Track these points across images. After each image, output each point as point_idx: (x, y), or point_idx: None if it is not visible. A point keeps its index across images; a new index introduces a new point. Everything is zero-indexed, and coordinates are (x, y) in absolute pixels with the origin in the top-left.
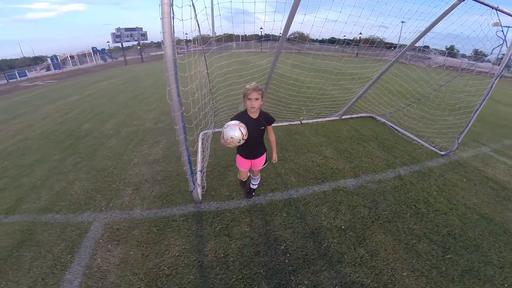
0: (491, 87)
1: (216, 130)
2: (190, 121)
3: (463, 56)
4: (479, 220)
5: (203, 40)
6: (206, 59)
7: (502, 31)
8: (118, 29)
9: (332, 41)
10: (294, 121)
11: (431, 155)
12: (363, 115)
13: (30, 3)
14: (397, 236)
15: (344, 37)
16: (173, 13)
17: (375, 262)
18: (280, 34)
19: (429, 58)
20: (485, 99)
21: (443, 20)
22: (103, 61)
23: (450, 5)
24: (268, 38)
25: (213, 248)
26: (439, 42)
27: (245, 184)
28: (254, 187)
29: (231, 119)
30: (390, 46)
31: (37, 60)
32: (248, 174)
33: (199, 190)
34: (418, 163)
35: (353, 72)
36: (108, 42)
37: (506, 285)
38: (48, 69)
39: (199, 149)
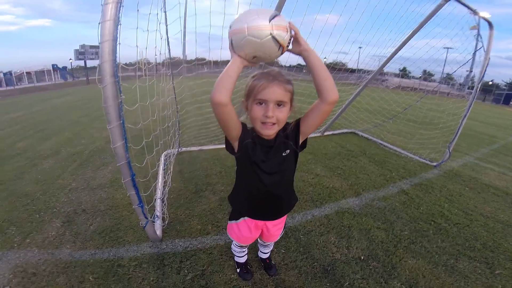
0: (470, 105)
1: (183, 149)
2: (149, 142)
3: (414, 77)
4: (504, 228)
5: (173, 63)
6: (175, 78)
7: (480, 34)
8: (82, 46)
9: (300, 66)
10: None
11: (424, 167)
12: (344, 131)
13: None
14: (430, 258)
15: None
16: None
17: None
18: None
19: (386, 79)
20: (466, 115)
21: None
22: (63, 79)
23: (436, 5)
24: None
25: None
26: (392, 65)
27: (245, 264)
28: (266, 255)
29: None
30: (352, 70)
31: None
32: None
33: (158, 223)
34: (415, 176)
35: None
36: (70, 59)
37: None
38: None
39: (160, 171)
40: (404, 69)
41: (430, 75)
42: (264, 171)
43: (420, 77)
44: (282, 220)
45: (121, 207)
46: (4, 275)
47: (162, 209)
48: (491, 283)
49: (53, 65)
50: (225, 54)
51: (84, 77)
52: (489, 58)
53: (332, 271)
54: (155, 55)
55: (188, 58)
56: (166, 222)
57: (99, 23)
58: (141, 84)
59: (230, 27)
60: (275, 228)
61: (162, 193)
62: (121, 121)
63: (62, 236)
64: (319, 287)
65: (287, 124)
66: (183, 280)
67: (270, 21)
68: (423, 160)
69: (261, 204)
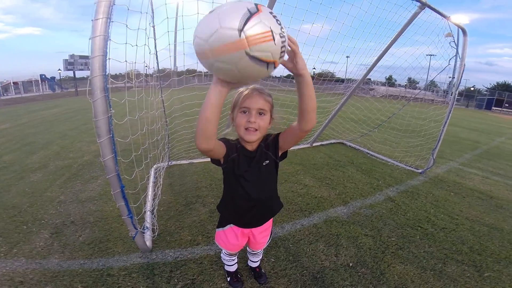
0: (450, 112)
1: (173, 162)
2: (138, 156)
3: (399, 85)
4: (490, 231)
5: (162, 72)
6: (163, 91)
7: (455, 41)
8: (71, 56)
9: (290, 77)
10: None
11: (409, 174)
12: (332, 141)
13: None
14: (418, 263)
15: None
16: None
17: None
18: None
19: (373, 88)
20: (446, 121)
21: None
22: (52, 90)
23: (412, 14)
24: None
25: None
26: (378, 74)
27: (235, 273)
28: (255, 264)
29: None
30: (340, 80)
31: None
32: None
33: (148, 234)
34: (401, 183)
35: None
36: (59, 70)
37: None
38: None
39: (150, 184)
40: (390, 78)
41: (415, 82)
42: (247, 180)
43: (406, 85)
44: (268, 227)
45: (110, 219)
46: None
47: (152, 221)
48: (481, 286)
49: (41, 76)
50: None
51: (73, 88)
52: (465, 65)
53: (321, 278)
54: (145, 66)
55: (178, 70)
56: (156, 233)
57: (89, 39)
58: (130, 98)
59: (193, 40)
60: (261, 235)
61: (152, 205)
62: (111, 135)
63: (50, 247)
64: None
65: (268, 135)
66: None
67: (241, 32)
68: (409, 168)
69: (246, 211)
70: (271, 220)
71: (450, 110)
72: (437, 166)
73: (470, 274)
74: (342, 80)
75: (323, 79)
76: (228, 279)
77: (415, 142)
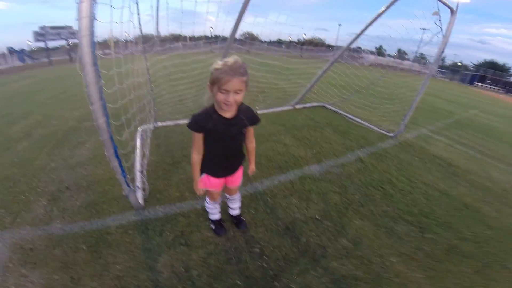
0: (426, 82)
1: (159, 124)
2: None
3: (389, 55)
4: (440, 196)
5: (146, 39)
6: (148, 57)
7: (440, 20)
8: (42, 27)
9: (279, 42)
10: None
11: (382, 137)
12: (315, 104)
13: None
14: (374, 220)
15: (290, 38)
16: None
17: (361, 252)
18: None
19: (362, 57)
20: (420, 91)
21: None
22: (21, 62)
23: None
24: (217, 38)
25: (168, 263)
26: (368, 43)
27: (219, 221)
28: (236, 212)
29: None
30: (330, 46)
31: None
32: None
33: (139, 193)
34: (373, 145)
35: (298, 68)
36: (29, 41)
37: (485, 261)
38: None
39: (138, 146)
40: (380, 48)
41: (405, 54)
42: (225, 141)
43: (395, 55)
44: (240, 169)
45: (102, 182)
46: (4, 253)
47: (142, 180)
48: (421, 245)
49: (9, 48)
50: (197, 30)
51: (45, 59)
52: (446, 42)
53: (293, 228)
54: (125, 34)
55: (162, 35)
56: (147, 192)
57: (76, 20)
58: (118, 70)
59: None
60: (236, 175)
61: (141, 165)
62: (102, 102)
63: (51, 213)
64: (281, 242)
65: (250, 109)
66: (166, 241)
67: None
68: (381, 131)
69: (222, 163)
70: (241, 166)
71: (426, 82)
72: (408, 131)
73: (414, 234)
74: (332, 47)
75: (312, 45)
76: (213, 227)
77: (391, 108)
